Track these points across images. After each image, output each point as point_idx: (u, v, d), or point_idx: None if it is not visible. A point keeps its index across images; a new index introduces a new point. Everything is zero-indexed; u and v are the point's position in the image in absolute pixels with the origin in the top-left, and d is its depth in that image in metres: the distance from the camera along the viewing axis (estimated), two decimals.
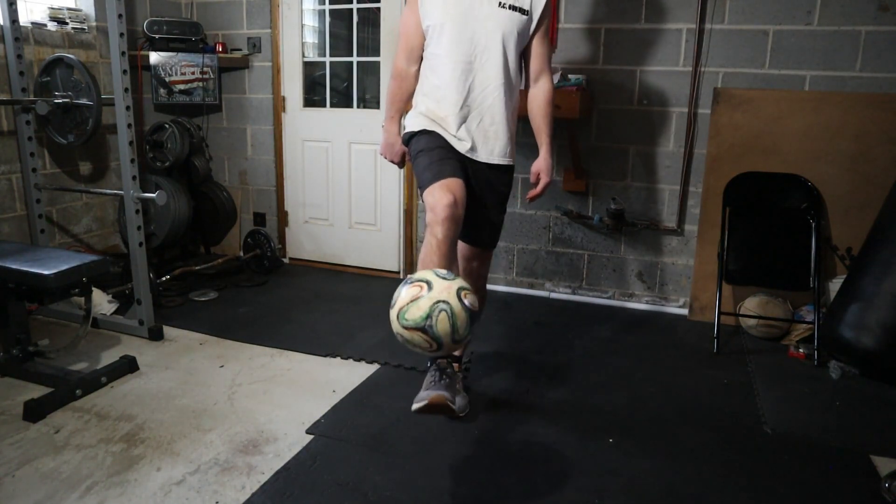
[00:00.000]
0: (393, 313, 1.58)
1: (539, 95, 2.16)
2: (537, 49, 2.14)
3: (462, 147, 2.10)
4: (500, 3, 2.03)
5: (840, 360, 2.72)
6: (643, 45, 3.26)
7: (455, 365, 2.33)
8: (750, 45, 3.11)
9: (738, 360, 2.86)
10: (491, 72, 2.06)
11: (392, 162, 2.29)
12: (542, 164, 2.15)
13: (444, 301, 1.53)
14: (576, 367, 2.76)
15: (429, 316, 1.52)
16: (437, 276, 1.59)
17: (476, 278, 2.30)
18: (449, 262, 1.89)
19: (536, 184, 2.16)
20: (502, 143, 2.13)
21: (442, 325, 1.52)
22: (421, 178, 2.03)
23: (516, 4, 2.04)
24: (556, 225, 3.60)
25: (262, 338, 2.98)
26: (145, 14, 3.88)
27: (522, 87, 2.20)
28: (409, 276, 1.66)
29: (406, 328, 1.55)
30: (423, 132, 2.12)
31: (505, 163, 2.15)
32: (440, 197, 1.89)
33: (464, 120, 2.09)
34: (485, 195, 2.18)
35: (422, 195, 2.02)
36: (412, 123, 2.16)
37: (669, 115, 3.30)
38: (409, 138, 2.17)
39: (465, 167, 2.09)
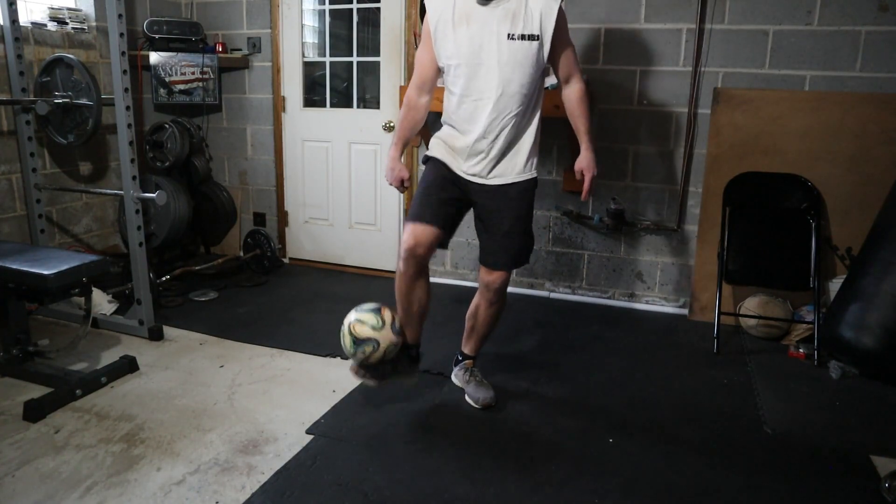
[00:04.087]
0: (344, 342, 2.15)
1: (571, 97, 2.25)
2: (562, 57, 2.18)
3: (471, 177, 2.21)
4: (509, 35, 2.04)
5: (840, 360, 2.72)
6: (643, 45, 3.26)
7: (468, 362, 2.51)
8: (750, 45, 3.11)
9: (738, 360, 2.86)
10: (508, 102, 2.11)
11: (393, 185, 2.31)
12: (583, 161, 2.23)
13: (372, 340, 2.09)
14: (576, 367, 2.76)
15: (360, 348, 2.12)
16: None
17: (494, 292, 2.31)
18: (413, 287, 2.24)
19: (582, 182, 2.27)
20: (519, 163, 2.20)
21: (373, 355, 2.11)
22: (413, 209, 2.22)
23: (525, 33, 2.05)
24: (556, 225, 3.61)
25: (262, 338, 2.98)
26: (145, 14, 3.88)
27: (553, 88, 2.36)
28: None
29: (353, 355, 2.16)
30: (433, 160, 2.26)
31: (519, 179, 2.21)
32: (405, 239, 2.16)
33: (478, 153, 2.17)
34: (498, 214, 2.22)
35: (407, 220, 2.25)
36: (432, 145, 2.30)
37: (669, 115, 3.30)
38: (425, 160, 2.31)
39: (458, 201, 2.24)
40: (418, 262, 2.18)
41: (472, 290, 2.47)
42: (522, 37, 2.05)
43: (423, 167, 2.32)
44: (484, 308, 2.36)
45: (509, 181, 2.19)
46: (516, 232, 2.23)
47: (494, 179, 2.19)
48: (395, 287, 2.27)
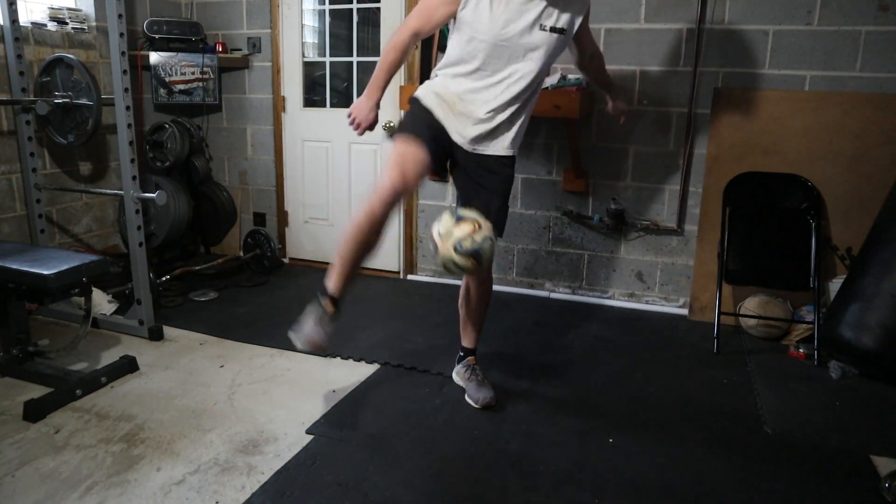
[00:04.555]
0: (448, 244, 1.95)
1: (600, 66, 2.57)
2: (587, 40, 2.36)
3: (463, 142, 2.18)
4: (541, 27, 2.09)
5: (840, 360, 2.72)
6: (643, 45, 3.26)
7: (471, 359, 2.50)
8: (750, 45, 3.11)
9: (738, 360, 2.86)
10: (522, 85, 2.13)
11: (356, 124, 2.20)
12: (619, 101, 2.66)
13: (490, 237, 1.98)
14: (576, 367, 2.76)
15: (481, 245, 1.95)
16: (481, 216, 2.02)
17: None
18: (380, 231, 2.12)
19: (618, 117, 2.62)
20: (511, 138, 2.21)
21: (487, 252, 1.97)
22: (405, 128, 2.17)
23: (556, 26, 2.10)
24: (556, 225, 3.60)
25: (261, 338, 2.98)
26: (145, 14, 3.88)
27: (575, 64, 2.47)
28: (452, 213, 2.01)
29: (461, 254, 1.94)
30: (423, 108, 2.18)
31: (509, 153, 2.24)
32: (396, 160, 2.09)
33: (479, 122, 2.15)
34: (484, 180, 2.23)
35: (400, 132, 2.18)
36: (424, 93, 2.21)
37: (669, 115, 3.29)
38: (412, 102, 2.23)
39: (444, 150, 2.19)
40: (405, 192, 2.10)
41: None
42: (553, 29, 2.10)
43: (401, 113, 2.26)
44: (474, 287, 2.36)
45: (497, 153, 2.21)
46: (496, 203, 2.25)
47: (484, 150, 2.19)
48: (354, 232, 2.10)
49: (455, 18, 2.13)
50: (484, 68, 2.12)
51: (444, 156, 2.23)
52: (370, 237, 2.10)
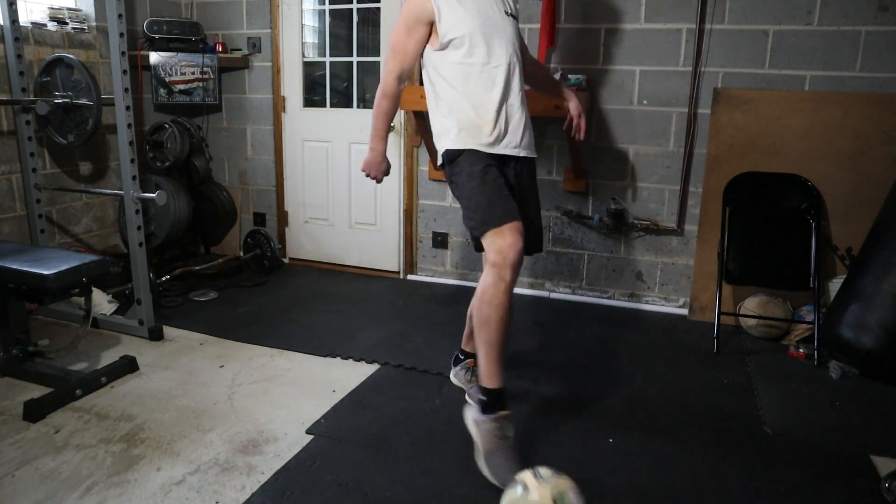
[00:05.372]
0: None
1: (542, 70, 2.53)
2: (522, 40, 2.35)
3: (503, 148, 2.11)
4: (506, 12, 2.17)
5: (840, 360, 2.72)
6: (643, 45, 3.26)
7: (470, 361, 2.47)
8: (750, 45, 3.11)
9: (738, 360, 2.86)
10: (518, 71, 2.16)
11: (372, 177, 2.29)
12: (573, 103, 2.39)
13: (572, 487, 1.60)
14: (576, 367, 2.76)
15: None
16: (536, 476, 1.62)
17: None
18: (511, 304, 1.98)
19: (579, 125, 2.38)
20: (531, 136, 2.23)
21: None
22: (482, 213, 1.98)
23: (512, 12, 2.22)
24: (556, 225, 3.60)
25: (261, 338, 2.98)
26: (145, 14, 3.88)
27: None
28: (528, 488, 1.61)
29: None
30: (468, 152, 2.07)
31: (535, 156, 2.26)
32: (512, 241, 1.92)
33: (503, 121, 2.12)
34: (527, 194, 2.22)
35: (478, 229, 2.00)
36: (456, 138, 2.09)
37: (669, 115, 3.29)
38: (454, 157, 2.10)
39: (510, 188, 2.11)
40: (521, 265, 1.98)
41: (473, 290, 2.46)
42: (511, 14, 2.19)
43: (444, 165, 2.18)
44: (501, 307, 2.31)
45: (533, 155, 2.22)
46: (537, 215, 2.28)
47: (525, 151, 2.17)
48: (494, 306, 1.93)
49: (434, 47, 2.10)
50: (489, 60, 2.08)
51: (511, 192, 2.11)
52: (508, 312, 1.98)
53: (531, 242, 2.22)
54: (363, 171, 2.28)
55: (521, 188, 2.18)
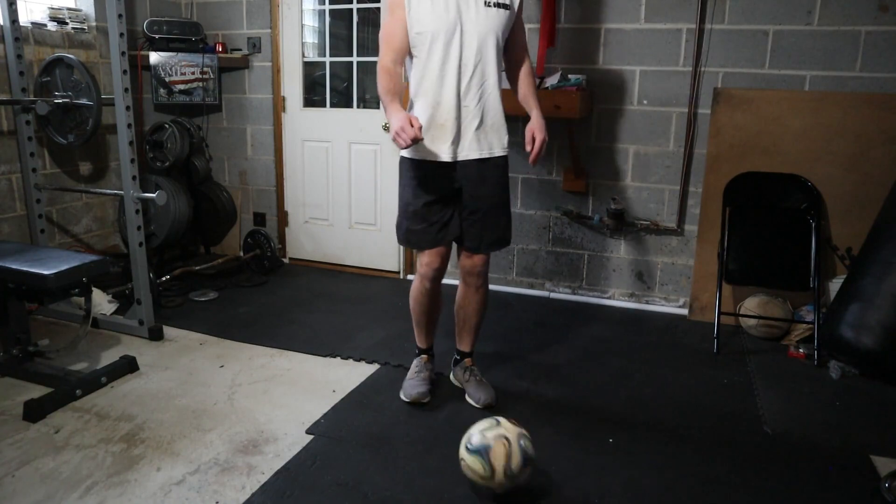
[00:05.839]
0: (499, 479, 1.77)
1: (526, 74, 2.31)
2: (519, 35, 2.27)
3: (457, 153, 2.16)
4: (486, 3, 2.09)
5: (840, 360, 2.72)
6: (643, 45, 3.26)
7: (467, 360, 2.49)
8: (750, 45, 3.11)
9: (738, 360, 2.86)
10: (488, 70, 2.13)
11: (410, 138, 1.92)
12: (535, 123, 2.20)
13: (520, 433, 1.81)
14: (576, 367, 2.76)
15: (525, 449, 1.79)
16: (508, 419, 1.86)
17: (477, 276, 2.33)
18: (436, 300, 2.38)
19: (532, 147, 2.18)
20: (500, 136, 2.21)
21: (531, 447, 1.81)
22: (403, 234, 2.28)
23: (500, 1, 2.11)
24: (556, 225, 3.60)
25: (262, 338, 2.98)
26: (145, 14, 3.88)
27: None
28: (470, 451, 1.82)
29: (518, 474, 1.78)
30: (413, 163, 2.18)
31: (502, 153, 2.23)
32: (429, 262, 2.26)
33: (461, 123, 2.13)
34: (480, 193, 2.21)
35: (401, 243, 2.40)
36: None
37: (669, 115, 3.29)
38: (401, 158, 2.24)
39: (451, 201, 2.21)
40: (440, 276, 2.31)
41: None
42: (497, 4, 2.10)
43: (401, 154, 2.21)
44: (471, 295, 2.37)
45: (495, 154, 2.20)
46: (499, 211, 2.26)
47: (479, 153, 2.17)
48: (415, 302, 2.39)
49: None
50: (448, 60, 2.08)
51: (452, 206, 2.22)
52: (434, 302, 2.38)
53: (484, 242, 2.26)
54: (393, 138, 1.96)
55: (471, 189, 2.20)
